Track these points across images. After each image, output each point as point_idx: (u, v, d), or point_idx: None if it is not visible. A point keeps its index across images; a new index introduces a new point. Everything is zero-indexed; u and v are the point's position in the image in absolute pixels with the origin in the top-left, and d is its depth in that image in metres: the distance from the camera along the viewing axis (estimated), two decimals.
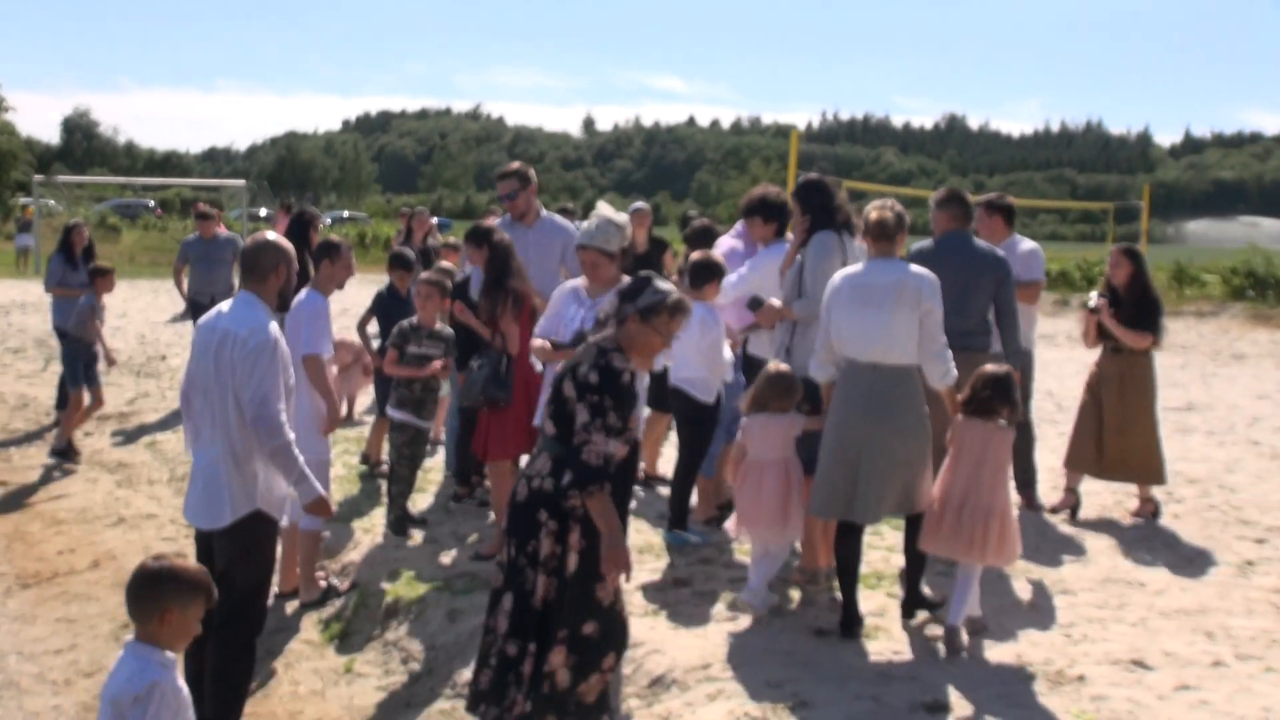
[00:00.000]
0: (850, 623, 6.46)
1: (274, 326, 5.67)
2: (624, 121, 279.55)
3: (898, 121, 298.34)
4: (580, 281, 6.93)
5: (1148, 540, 8.51)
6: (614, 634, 5.16)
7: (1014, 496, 7.23)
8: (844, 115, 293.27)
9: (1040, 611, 7.01)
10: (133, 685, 3.77)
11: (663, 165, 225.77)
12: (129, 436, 12.85)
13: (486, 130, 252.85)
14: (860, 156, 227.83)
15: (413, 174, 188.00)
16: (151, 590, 3.86)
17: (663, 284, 5.24)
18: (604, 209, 6.89)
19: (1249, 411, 14.26)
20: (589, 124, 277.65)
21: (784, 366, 7.01)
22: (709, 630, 6.48)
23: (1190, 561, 8.03)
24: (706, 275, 7.97)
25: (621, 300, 5.22)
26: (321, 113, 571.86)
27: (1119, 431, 9.18)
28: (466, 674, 6.50)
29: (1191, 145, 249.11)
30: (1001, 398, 6.43)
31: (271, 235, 5.97)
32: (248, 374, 5.51)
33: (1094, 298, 9.20)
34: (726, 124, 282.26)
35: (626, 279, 6.52)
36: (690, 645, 6.24)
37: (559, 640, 5.05)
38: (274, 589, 7.68)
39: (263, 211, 63.82)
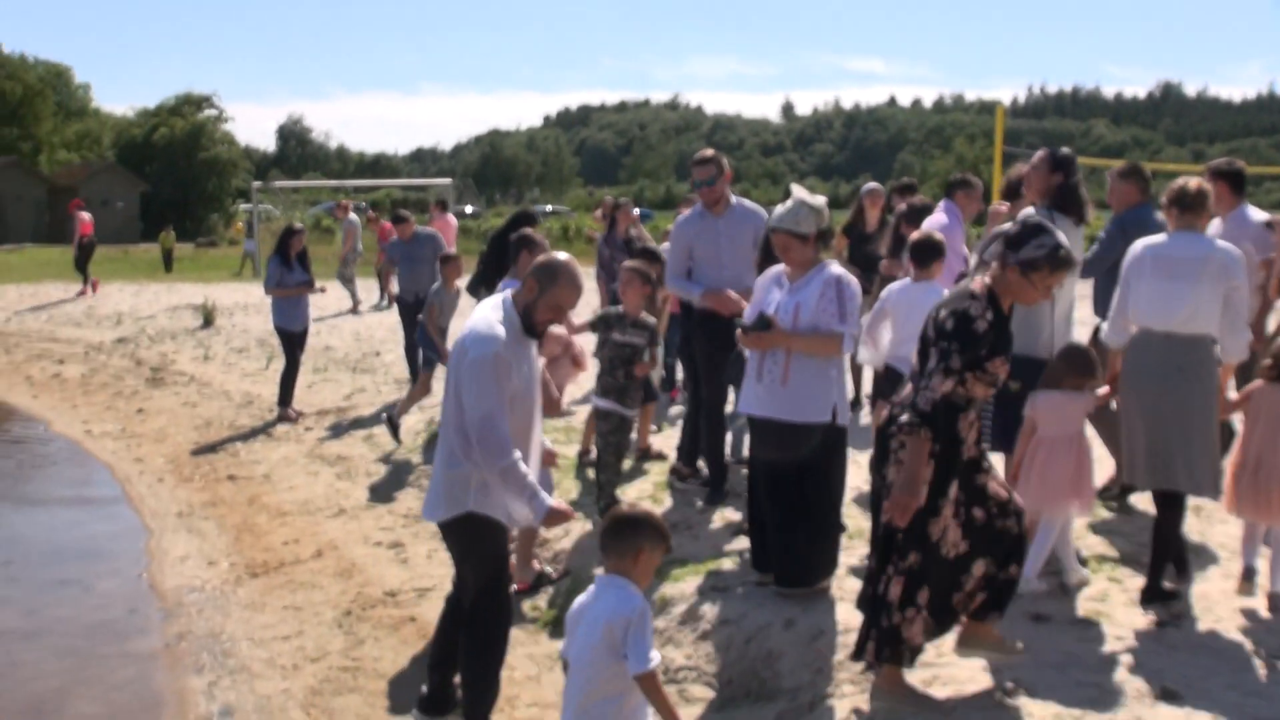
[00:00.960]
0: (1154, 593, 6.54)
1: (504, 340, 5.52)
2: (823, 105, 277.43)
3: (1109, 92, 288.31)
4: (782, 267, 6.90)
5: None
6: (932, 571, 5.32)
7: None
8: (1051, 88, 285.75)
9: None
10: (624, 609, 4.47)
11: (864, 147, 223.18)
12: (347, 430, 13.27)
13: (685, 120, 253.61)
14: (1070, 130, 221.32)
15: (614, 166, 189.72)
16: (630, 532, 4.60)
17: (1050, 236, 5.28)
18: (798, 191, 6.84)
19: None
20: (788, 109, 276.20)
21: (1081, 343, 7.16)
22: None
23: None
24: (931, 254, 7.86)
25: (1006, 247, 5.29)
26: (523, 110, 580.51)
27: None
28: (679, 658, 6.56)
29: None
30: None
31: (569, 258, 5.79)
32: (471, 385, 5.45)
33: None
34: (928, 103, 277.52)
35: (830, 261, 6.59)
36: None
37: (891, 570, 5.33)
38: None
39: (469, 209, 65.37)
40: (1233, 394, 6.99)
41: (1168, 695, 5.30)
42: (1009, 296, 5.26)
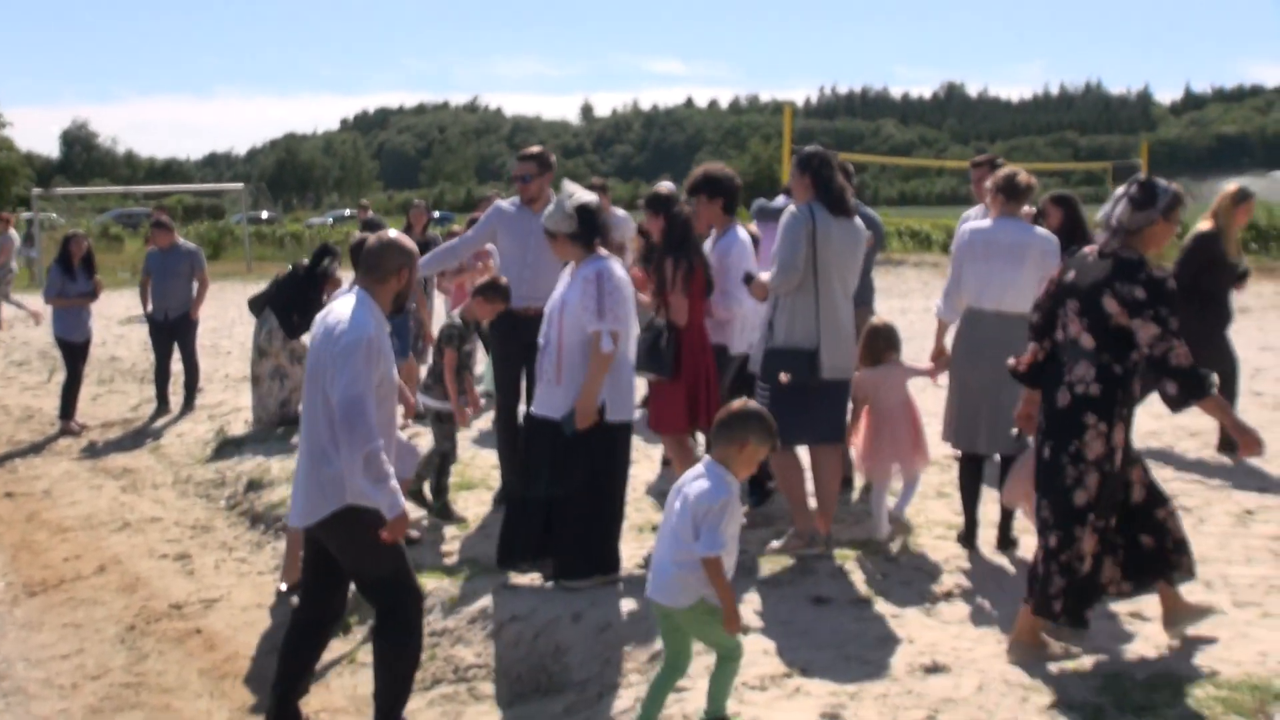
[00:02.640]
0: (971, 535, 7.40)
1: (374, 327, 5.41)
2: (622, 106, 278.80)
3: (897, 92, 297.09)
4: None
5: None
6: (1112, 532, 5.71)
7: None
8: (842, 89, 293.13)
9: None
10: (715, 496, 4.87)
11: (663, 148, 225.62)
12: (133, 442, 12.88)
13: (485, 122, 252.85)
14: (860, 129, 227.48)
15: (413, 169, 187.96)
16: (740, 424, 4.97)
17: (1162, 180, 5.68)
18: (566, 187, 6.95)
19: (1252, 364, 14.15)
20: (587, 110, 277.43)
21: (885, 320, 7.97)
22: None
23: (1190, 512, 8.02)
24: None
25: (1136, 208, 5.56)
26: (320, 113, 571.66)
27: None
28: (468, 656, 6.54)
29: (1192, 101, 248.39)
30: None
31: (397, 234, 5.71)
32: (341, 370, 5.27)
33: None
34: (725, 103, 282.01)
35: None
36: None
37: (1098, 529, 5.60)
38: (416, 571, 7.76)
39: (264, 214, 63.91)
40: None
41: (936, 668, 5.51)
42: (1153, 249, 5.59)
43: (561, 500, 6.87)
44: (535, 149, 8.72)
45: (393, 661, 5.63)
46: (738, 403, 5.14)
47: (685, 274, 7.52)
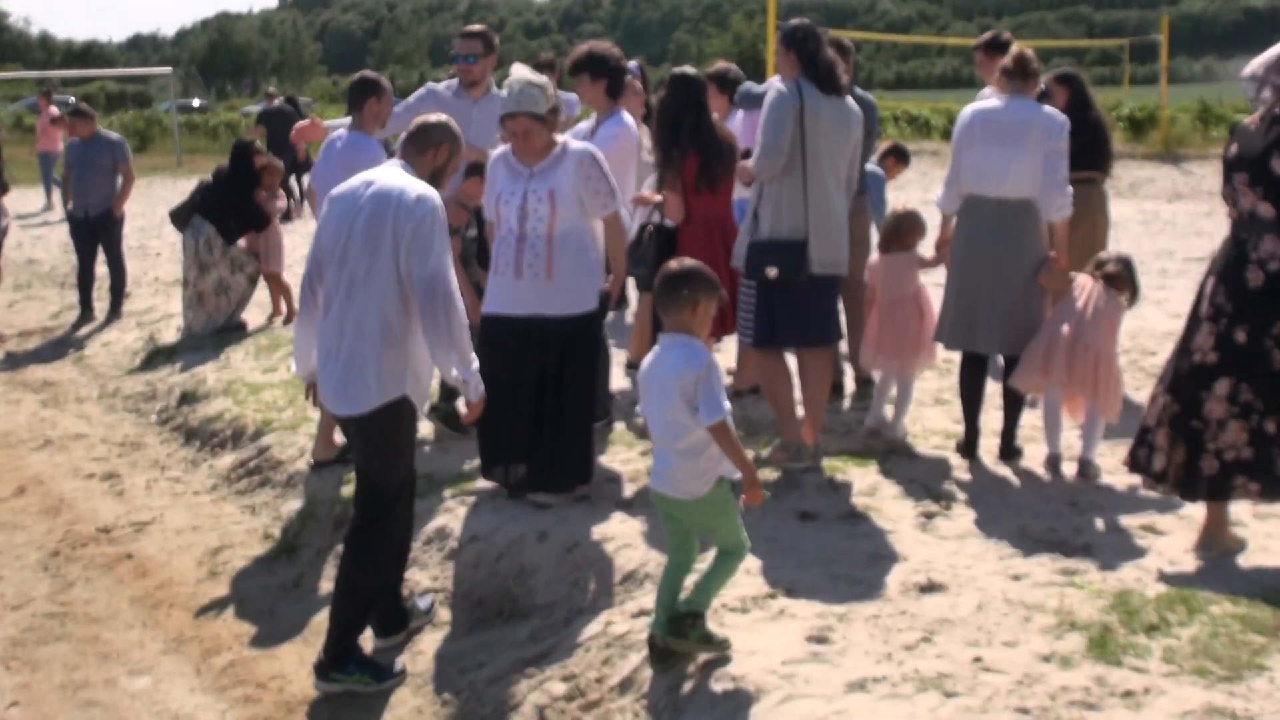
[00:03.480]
0: (972, 444, 7.50)
1: (438, 196, 5.60)
2: None
3: None
4: (508, 153, 6.91)
5: None
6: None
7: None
8: None
9: (1040, 480, 7.12)
10: (692, 365, 4.88)
11: (635, 27, 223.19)
12: (54, 352, 12.83)
13: None
14: (852, 4, 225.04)
15: (360, 52, 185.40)
16: (684, 285, 4.98)
17: None
18: (521, 70, 6.83)
19: None
20: None
21: (909, 207, 8.14)
22: None
23: None
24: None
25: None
26: None
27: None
28: (424, 580, 6.57)
29: None
30: (1130, 280, 7.20)
31: (442, 117, 5.91)
32: (425, 241, 5.40)
33: None
34: None
35: (563, 138, 6.65)
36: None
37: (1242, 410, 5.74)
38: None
39: (195, 102, 63.26)
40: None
41: (932, 587, 5.55)
42: None
43: (554, 401, 6.85)
44: (478, 26, 8.65)
45: (360, 576, 5.72)
46: (672, 264, 5.11)
47: (677, 166, 7.55)
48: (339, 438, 8.08)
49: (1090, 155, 8.78)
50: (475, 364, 5.60)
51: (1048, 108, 7.38)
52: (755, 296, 7.18)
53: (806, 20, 7.30)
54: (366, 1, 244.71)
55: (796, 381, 7.52)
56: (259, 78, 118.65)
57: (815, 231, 7.03)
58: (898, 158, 10.83)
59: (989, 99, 7.66)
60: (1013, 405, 7.48)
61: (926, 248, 8.06)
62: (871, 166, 9.36)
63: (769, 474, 7.11)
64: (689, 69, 8.15)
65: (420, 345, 5.59)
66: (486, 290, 7.02)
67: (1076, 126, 7.78)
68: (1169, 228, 18.30)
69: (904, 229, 7.99)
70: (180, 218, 12.20)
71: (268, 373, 10.53)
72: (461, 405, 6.84)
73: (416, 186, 5.55)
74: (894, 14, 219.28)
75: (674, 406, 4.93)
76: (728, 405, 4.88)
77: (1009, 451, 7.47)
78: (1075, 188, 7.58)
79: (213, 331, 12.01)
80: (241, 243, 12.13)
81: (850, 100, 7.31)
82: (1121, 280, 7.17)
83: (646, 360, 5.14)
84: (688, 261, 5.11)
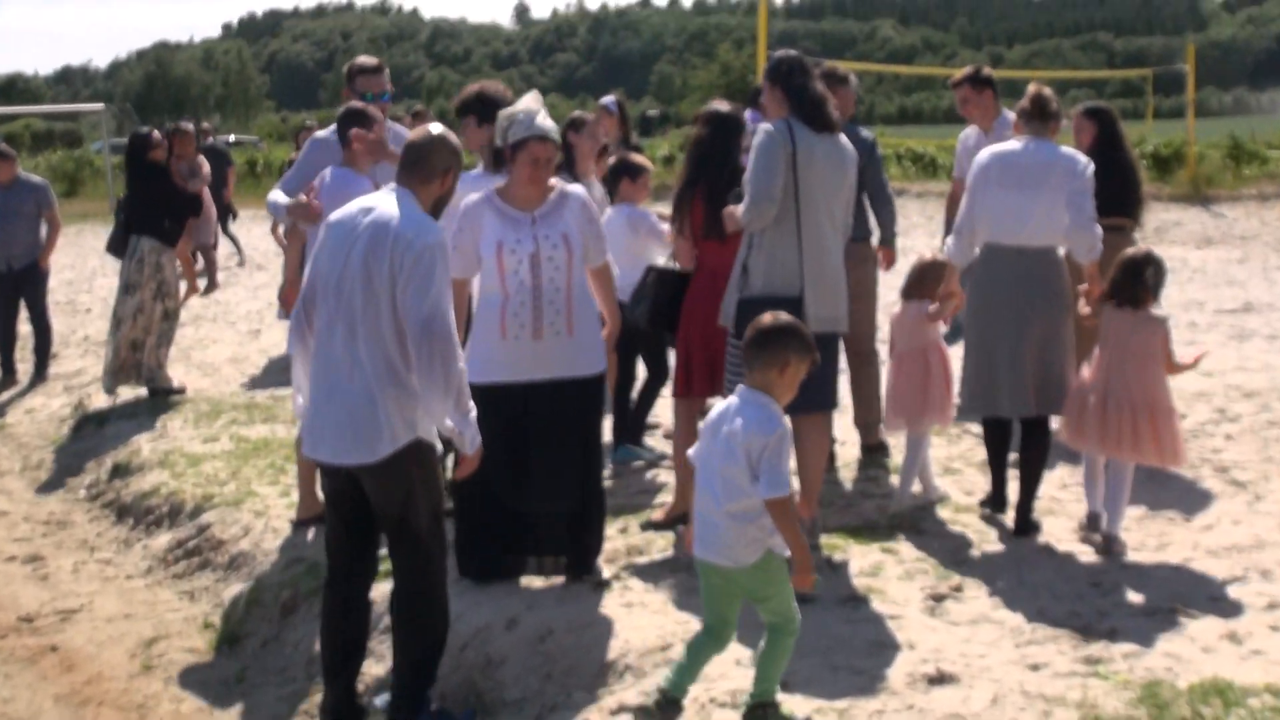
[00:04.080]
0: (1000, 498, 7.77)
1: (441, 229, 5.68)
2: (564, 6, 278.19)
3: None
4: (490, 195, 6.86)
5: (1193, 467, 8.59)
6: None
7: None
8: None
9: (1060, 557, 7.12)
10: (764, 430, 5.05)
11: (613, 57, 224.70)
12: None
13: (398, 27, 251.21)
14: (852, 32, 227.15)
15: (312, 85, 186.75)
16: (777, 342, 5.17)
17: None
18: (528, 100, 6.84)
19: None
20: (522, 12, 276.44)
21: (936, 255, 8.27)
22: (666, 604, 6.52)
23: (1244, 489, 8.11)
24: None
25: None
26: (197, 17, 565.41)
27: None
28: (379, 671, 6.54)
29: None
30: (1144, 283, 7.23)
31: (444, 130, 5.90)
32: (423, 278, 5.45)
33: None
34: (689, 2, 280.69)
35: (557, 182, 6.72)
36: (646, 624, 6.28)
37: None
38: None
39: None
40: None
41: (942, 678, 5.54)
42: None
43: (579, 473, 6.92)
44: (374, 60, 8.69)
45: (420, 636, 5.82)
46: (768, 317, 5.28)
47: (686, 208, 7.64)
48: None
49: (1119, 200, 8.71)
50: (473, 412, 5.64)
51: (1064, 148, 7.50)
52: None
53: (793, 52, 7.36)
54: (318, 30, 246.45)
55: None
56: (201, 114, 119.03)
57: (812, 285, 7.03)
58: None
59: (1009, 142, 7.75)
60: (1030, 476, 7.53)
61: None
62: None
63: None
64: (723, 105, 8.11)
65: None
66: (480, 356, 6.75)
67: (1104, 167, 7.92)
68: (1198, 276, 18.36)
69: (929, 278, 8.07)
70: (117, 246, 12.17)
71: (209, 442, 10.50)
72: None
73: (417, 217, 5.60)
74: (896, 42, 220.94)
75: (736, 467, 5.10)
76: (790, 481, 5.06)
77: (1025, 526, 7.50)
78: (1104, 235, 7.60)
79: (141, 383, 11.95)
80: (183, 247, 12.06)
81: (843, 138, 7.35)
82: (1139, 288, 7.22)
83: (716, 408, 5.33)
84: (783, 317, 5.29)
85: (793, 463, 7.38)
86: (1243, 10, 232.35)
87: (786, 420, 5.17)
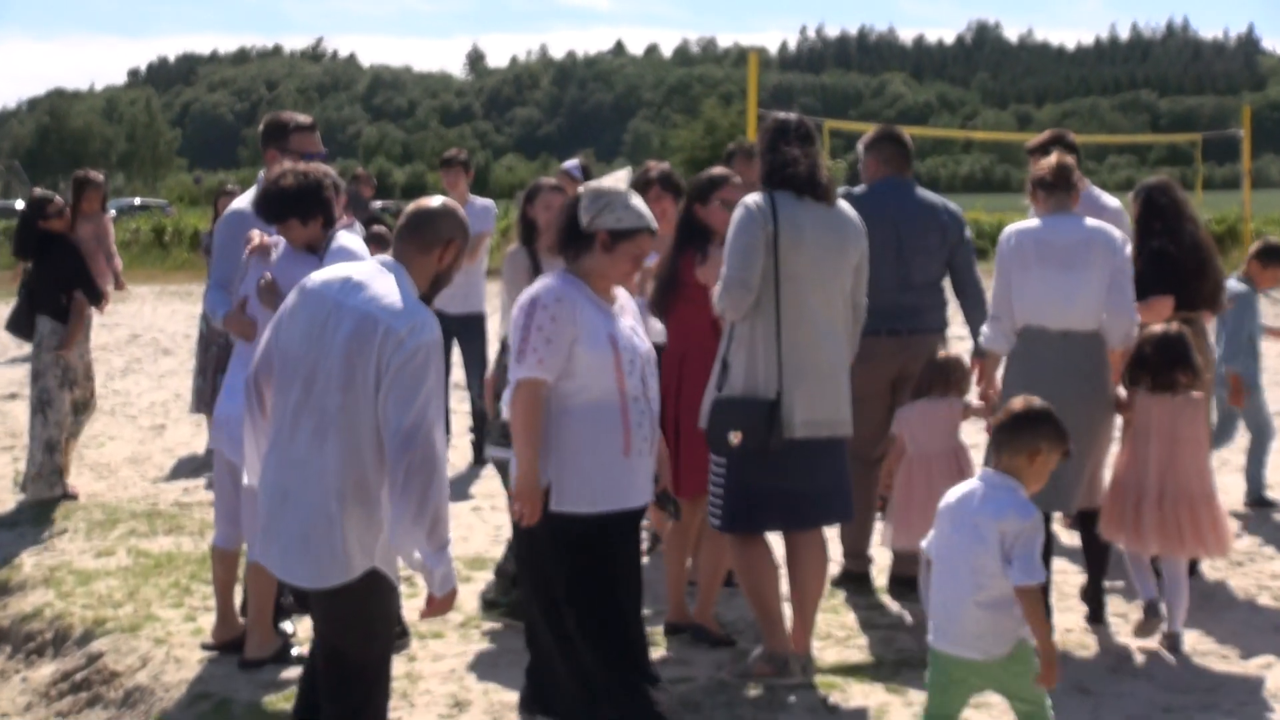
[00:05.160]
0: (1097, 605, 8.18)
1: (437, 325, 5.64)
2: (526, 54, 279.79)
3: (907, 36, 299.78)
4: (569, 280, 6.40)
5: (1249, 594, 8.60)
6: None
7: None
8: (832, 31, 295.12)
9: (1114, 684, 7.12)
10: (1025, 513, 5.54)
11: (582, 112, 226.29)
12: None
13: (333, 75, 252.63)
14: (858, 87, 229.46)
15: (230, 140, 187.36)
16: (1028, 428, 5.68)
17: None
18: (621, 178, 6.59)
19: None
20: (477, 60, 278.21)
21: (952, 353, 8.54)
22: None
23: None
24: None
25: None
26: (99, 61, 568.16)
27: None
28: None
29: None
30: (1180, 362, 7.70)
31: (449, 202, 5.94)
32: (410, 385, 5.42)
33: None
34: (669, 50, 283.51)
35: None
36: None
37: None
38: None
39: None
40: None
41: None
42: None
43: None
44: (305, 118, 8.64)
45: None
46: (1019, 402, 5.83)
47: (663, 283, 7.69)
48: (291, 625, 8.12)
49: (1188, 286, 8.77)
50: (449, 547, 5.54)
51: (1090, 221, 7.84)
52: (726, 466, 7.17)
53: (787, 116, 7.48)
54: (239, 78, 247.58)
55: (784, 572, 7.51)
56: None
57: (793, 384, 7.02)
58: (1267, 259, 10.91)
59: (1033, 219, 7.99)
60: (1095, 566, 8.11)
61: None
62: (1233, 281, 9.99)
63: (751, 690, 7.09)
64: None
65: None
66: (599, 480, 6.25)
67: (1149, 240, 8.54)
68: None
69: (952, 377, 8.26)
70: (20, 324, 12.15)
71: (102, 557, 10.42)
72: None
73: (412, 307, 5.56)
74: (908, 99, 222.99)
75: (987, 553, 5.51)
76: (1044, 570, 5.58)
77: (1096, 615, 8.11)
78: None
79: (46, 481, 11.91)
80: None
81: (845, 207, 7.38)
82: (1182, 370, 7.69)
83: (953, 494, 5.77)
84: (1035, 402, 5.81)
85: (784, 586, 7.46)
86: None
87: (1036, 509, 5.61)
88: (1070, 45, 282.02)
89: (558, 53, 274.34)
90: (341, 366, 5.50)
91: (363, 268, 5.76)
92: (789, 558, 7.47)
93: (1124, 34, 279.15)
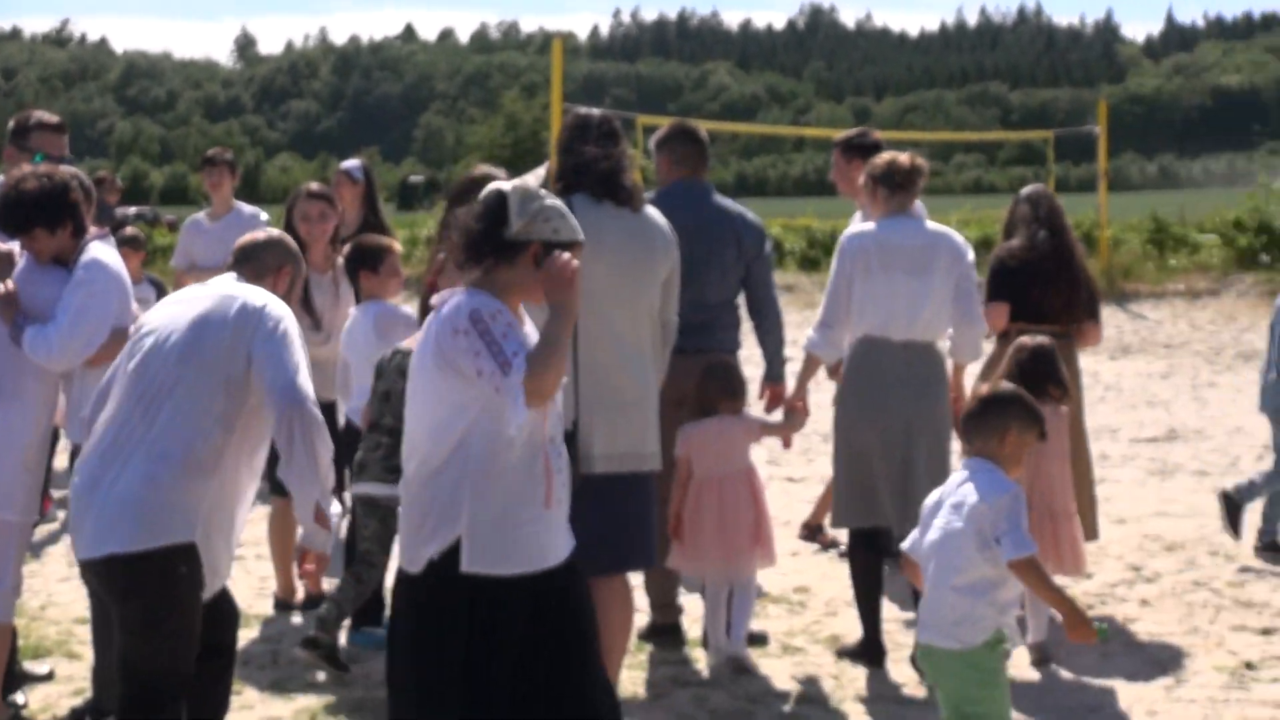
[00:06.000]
0: (875, 649, 8.14)
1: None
2: (303, 39, 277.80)
3: (733, 21, 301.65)
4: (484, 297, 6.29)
5: (1101, 640, 8.74)
6: None
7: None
8: (649, 15, 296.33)
9: None
10: (998, 490, 5.81)
11: (367, 105, 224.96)
12: None
13: (80, 62, 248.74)
14: (677, 77, 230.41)
15: None
16: (997, 411, 6.00)
17: None
18: (538, 177, 6.34)
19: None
20: (246, 46, 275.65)
21: (723, 357, 8.52)
22: None
23: (1165, 666, 8.27)
24: None
25: None
26: None
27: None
28: None
29: (1177, 38, 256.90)
30: (1051, 375, 8.04)
31: (274, 233, 6.67)
32: (281, 342, 5.98)
33: None
34: (465, 36, 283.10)
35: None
36: None
37: None
38: None
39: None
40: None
41: None
42: None
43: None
44: (56, 117, 8.59)
45: None
46: (984, 387, 6.28)
47: None
48: (23, 696, 7.90)
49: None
50: (328, 489, 6.01)
51: (931, 225, 8.18)
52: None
53: (580, 110, 7.54)
54: None
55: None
56: None
57: (593, 412, 6.88)
58: None
59: (867, 222, 8.30)
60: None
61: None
62: None
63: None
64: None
65: (231, 491, 6.05)
66: (515, 535, 5.77)
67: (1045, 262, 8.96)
68: (1111, 394, 18.67)
69: (736, 387, 8.33)
70: None
71: None
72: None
73: (257, 298, 6.11)
74: (734, 92, 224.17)
75: (963, 534, 5.81)
76: (1033, 541, 5.77)
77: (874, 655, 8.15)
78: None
79: None
80: None
81: (653, 213, 7.30)
82: (1051, 381, 8.04)
83: (934, 493, 6.12)
84: (1004, 386, 6.31)
85: None
86: (1169, 58, 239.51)
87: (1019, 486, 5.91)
88: (913, 32, 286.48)
89: (339, 38, 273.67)
90: (184, 340, 5.94)
91: (222, 281, 6.30)
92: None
93: (972, 19, 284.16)
